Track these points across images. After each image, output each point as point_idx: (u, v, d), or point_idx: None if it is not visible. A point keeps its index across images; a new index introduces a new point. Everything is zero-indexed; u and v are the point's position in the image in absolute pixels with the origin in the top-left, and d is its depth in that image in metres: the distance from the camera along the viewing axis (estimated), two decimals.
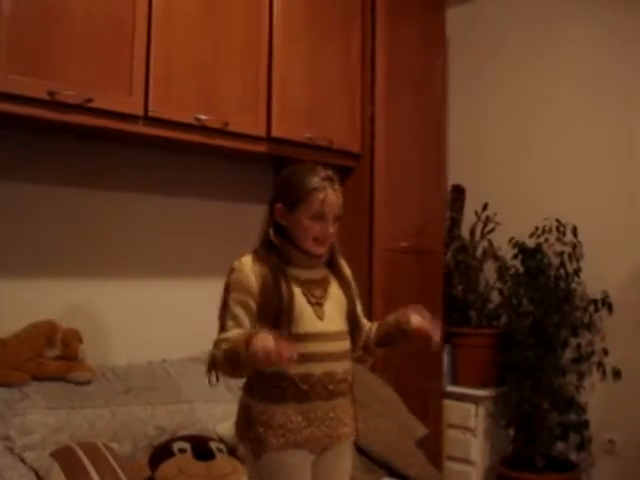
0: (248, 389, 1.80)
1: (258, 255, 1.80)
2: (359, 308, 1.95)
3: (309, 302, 1.78)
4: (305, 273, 1.82)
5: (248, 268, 1.76)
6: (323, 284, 1.84)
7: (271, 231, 1.82)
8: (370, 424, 2.62)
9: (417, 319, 1.83)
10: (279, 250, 1.80)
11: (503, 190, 3.91)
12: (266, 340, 1.54)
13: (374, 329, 1.94)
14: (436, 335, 1.82)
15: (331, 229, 1.81)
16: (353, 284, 1.94)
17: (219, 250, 3.03)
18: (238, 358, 1.60)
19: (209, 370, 1.70)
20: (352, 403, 1.86)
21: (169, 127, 2.56)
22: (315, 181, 1.79)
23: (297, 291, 1.77)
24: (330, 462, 1.83)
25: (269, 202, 1.86)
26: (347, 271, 1.95)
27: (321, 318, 1.78)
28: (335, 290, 1.86)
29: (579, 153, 3.71)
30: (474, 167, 4.04)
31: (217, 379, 1.70)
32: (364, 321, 1.97)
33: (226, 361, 1.64)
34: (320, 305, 1.80)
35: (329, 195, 1.79)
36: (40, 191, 2.58)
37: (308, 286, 1.80)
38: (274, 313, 1.73)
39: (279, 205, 1.82)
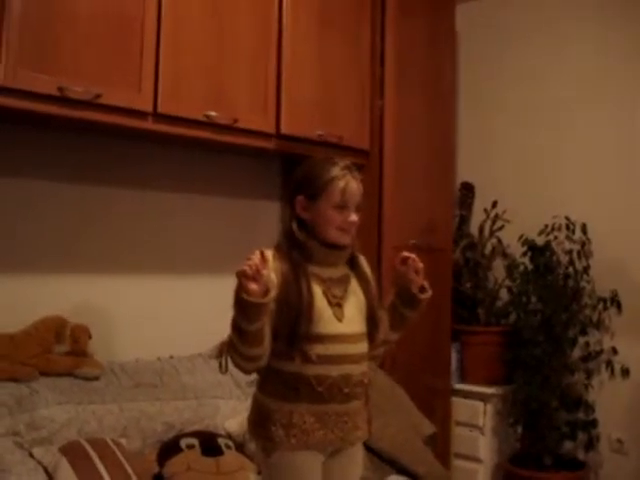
0: (263, 387, 1.79)
1: (279, 251, 1.78)
2: (379, 307, 1.92)
3: (329, 303, 1.76)
4: (326, 271, 1.79)
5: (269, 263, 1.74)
6: (343, 283, 1.82)
7: (294, 226, 1.79)
8: (378, 422, 2.61)
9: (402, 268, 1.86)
10: (301, 246, 1.78)
11: (512, 188, 3.89)
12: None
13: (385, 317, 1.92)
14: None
15: (354, 217, 1.79)
16: (373, 283, 1.91)
17: (228, 246, 3.03)
18: (236, 306, 1.58)
19: (220, 354, 1.68)
20: (366, 405, 1.83)
21: (178, 124, 2.55)
22: (335, 170, 1.78)
23: (317, 291, 1.75)
24: (341, 463, 1.82)
25: (288, 197, 1.84)
26: (367, 269, 1.91)
27: (340, 320, 1.76)
28: (355, 289, 1.84)
29: (589, 151, 3.69)
30: (483, 164, 4.03)
31: (226, 367, 1.67)
32: (383, 317, 1.92)
33: (234, 332, 1.62)
34: (340, 306, 1.77)
35: (350, 183, 1.78)
36: (49, 187, 2.58)
37: (329, 285, 1.78)
38: (294, 312, 1.70)
39: (300, 198, 1.80)
